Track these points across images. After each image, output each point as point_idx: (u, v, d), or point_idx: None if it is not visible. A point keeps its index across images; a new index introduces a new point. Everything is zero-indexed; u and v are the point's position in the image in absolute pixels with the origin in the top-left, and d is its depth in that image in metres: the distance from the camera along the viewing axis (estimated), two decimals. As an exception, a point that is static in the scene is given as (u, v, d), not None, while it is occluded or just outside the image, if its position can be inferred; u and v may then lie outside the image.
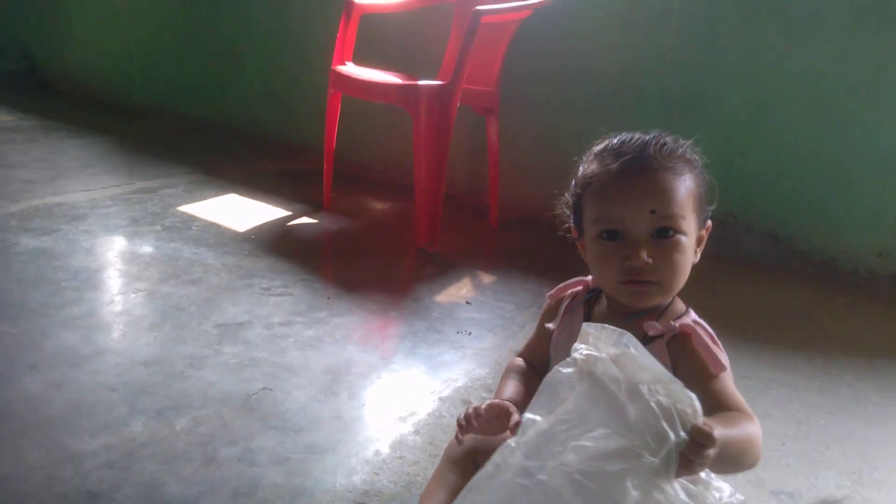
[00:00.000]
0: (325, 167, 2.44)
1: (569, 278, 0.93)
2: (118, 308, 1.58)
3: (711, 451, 0.60)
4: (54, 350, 1.36)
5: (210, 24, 3.68)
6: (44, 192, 2.40)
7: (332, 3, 2.58)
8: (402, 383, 1.36)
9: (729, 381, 0.75)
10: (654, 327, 0.77)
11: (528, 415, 0.62)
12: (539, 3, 2.05)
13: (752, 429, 0.70)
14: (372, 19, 2.41)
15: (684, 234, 0.76)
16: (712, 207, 0.82)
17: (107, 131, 3.47)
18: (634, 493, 0.56)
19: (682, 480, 0.60)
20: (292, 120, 3.39)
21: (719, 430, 0.61)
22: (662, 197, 0.75)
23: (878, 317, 1.83)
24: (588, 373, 0.59)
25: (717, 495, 0.63)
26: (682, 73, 2.18)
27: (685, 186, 0.76)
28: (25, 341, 1.39)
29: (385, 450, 1.14)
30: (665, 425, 0.57)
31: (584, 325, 0.65)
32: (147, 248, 1.95)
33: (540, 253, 2.18)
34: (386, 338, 1.57)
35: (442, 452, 0.92)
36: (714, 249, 0.83)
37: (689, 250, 0.77)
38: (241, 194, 2.57)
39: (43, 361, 1.32)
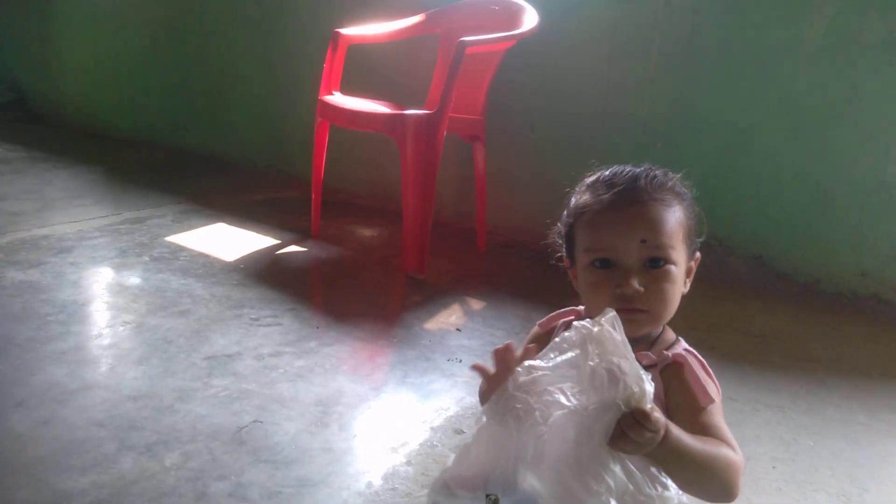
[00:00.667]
0: (313, 196, 2.45)
1: (557, 303, 0.94)
2: (106, 342, 1.57)
3: (649, 435, 0.63)
4: (41, 386, 1.35)
5: (198, 56, 3.71)
6: (30, 223, 2.39)
7: (319, 35, 2.62)
8: (393, 413, 1.36)
9: (717, 414, 0.76)
10: (647, 357, 0.79)
11: (529, 361, 0.71)
12: (522, 34, 2.09)
13: (725, 453, 0.71)
14: (358, 50, 2.45)
15: (674, 264, 0.78)
16: (701, 239, 0.84)
17: (94, 162, 3.47)
18: (572, 446, 0.64)
19: (627, 461, 0.65)
20: (280, 150, 3.42)
21: (676, 430, 0.66)
22: (653, 227, 0.77)
23: (862, 337, 1.85)
24: (580, 340, 0.67)
25: (658, 489, 0.65)
26: (663, 102, 2.22)
27: (675, 217, 0.78)
28: (12, 377, 1.38)
29: (377, 481, 1.13)
30: (608, 394, 0.63)
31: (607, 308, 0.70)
32: (135, 280, 1.94)
33: (528, 278, 2.20)
34: (376, 367, 1.57)
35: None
36: (700, 272, 0.85)
37: (679, 280, 0.79)
38: (229, 223, 2.57)
39: (30, 398, 1.30)
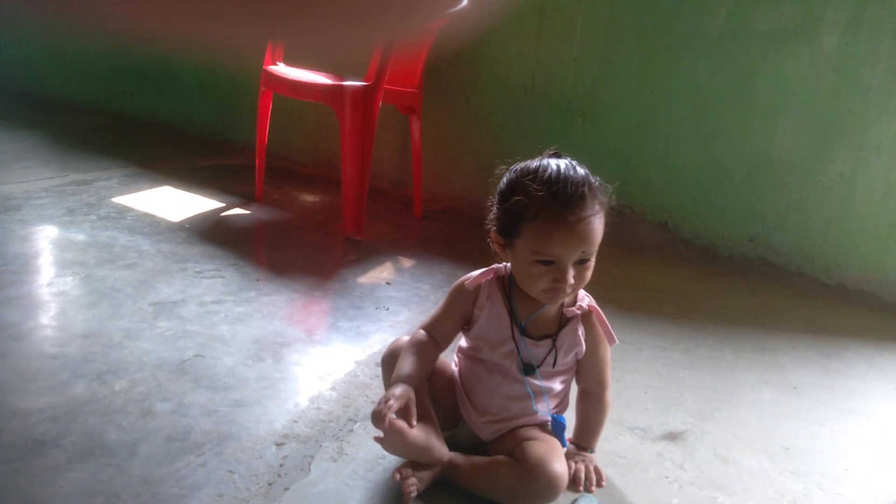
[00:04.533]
0: (257, 161, 2.57)
1: (480, 261, 1.13)
2: (56, 289, 1.68)
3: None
4: (-4, 326, 1.47)
5: (144, 22, 3.72)
6: (-24, 183, 2.44)
7: (265, 6, 2.70)
8: (323, 350, 1.53)
9: (609, 353, 1.10)
10: (572, 311, 1.08)
11: None
12: (454, 12, 2.24)
13: (606, 412, 1.15)
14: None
15: (593, 257, 1.00)
16: (612, 204, 1.04)
17: (39, 126, 3.48)
18: None
19: None
20: (227, 117, 3.50)
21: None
22: (592, 242, 0.97)
23: (746, 294, 2.11)
24: None
25: None
26: (584, 82, 2.42)
27: (602, 225, 0.99)
28: (-33, 318, 1.49)
29: (304, 403, 1.31)
30: None
31: None
32: (82, 236, 2.04)
33: (458, 240, 2.39)
34: (310, 314, 1.74)
35: (354, 409, 1.08)
36: (612, 237, 1.06)
37: (594, 264, 1.02)
38: (175, 187, 2.67)
39: (-14, 335, 1.42)
